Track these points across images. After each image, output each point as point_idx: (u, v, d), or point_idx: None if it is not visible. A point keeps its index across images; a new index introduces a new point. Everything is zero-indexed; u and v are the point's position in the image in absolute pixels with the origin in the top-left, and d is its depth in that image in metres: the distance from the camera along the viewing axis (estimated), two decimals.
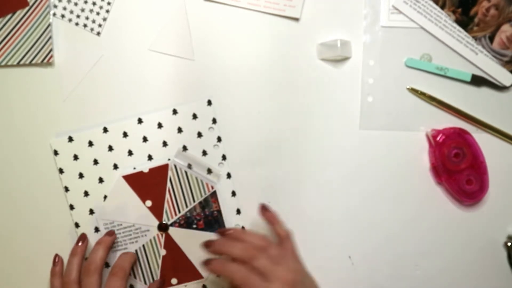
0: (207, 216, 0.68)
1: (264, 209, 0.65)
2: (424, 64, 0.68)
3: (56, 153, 0.68)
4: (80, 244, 0.66)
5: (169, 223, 0.68)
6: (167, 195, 0.68)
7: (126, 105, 0.68)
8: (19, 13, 0.67)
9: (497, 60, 0.67)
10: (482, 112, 0.68)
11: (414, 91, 0.68)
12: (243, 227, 0.69)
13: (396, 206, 0.69)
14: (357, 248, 0.69)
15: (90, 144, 0.68)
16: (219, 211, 0.68)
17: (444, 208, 0.69)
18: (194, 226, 0.68)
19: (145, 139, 0.68)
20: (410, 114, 0.68)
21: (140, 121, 0.68)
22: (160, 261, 0.69)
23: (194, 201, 0.68)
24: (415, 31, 0.68)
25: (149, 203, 0.68)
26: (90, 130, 0.68)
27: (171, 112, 0.68)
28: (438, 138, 0.67)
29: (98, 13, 0.68)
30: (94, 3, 0.68)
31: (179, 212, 0.68)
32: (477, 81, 0.68)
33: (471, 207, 0.69)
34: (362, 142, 0.69)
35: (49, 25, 0.67)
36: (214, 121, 0.68)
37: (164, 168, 0.68)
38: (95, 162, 0.68)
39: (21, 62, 0.67)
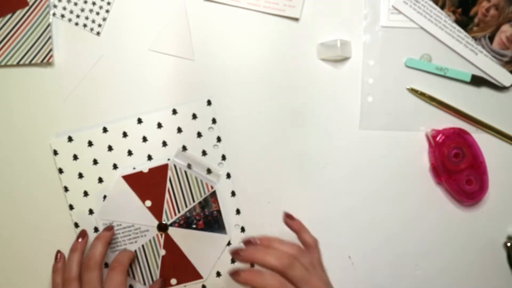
0: (206, 216, 0.68)
1: (289, 218, 0.61)
2: (424, 64, 0.68)
3: (55, 153, 0.68)
4: (80, 240, 0.66)
5: (168, 223, 0.68)
6: (167, 195, 0.68)
7: (126, 105, 0.68)
8: (19, 13, 0.67)
9: (497, 60, 0.67)
10: (482, 112, 0.68)
11: (414, 91, 0.68)
12: (243, 228, 0.69)
13: (396, 206, 0.69)
14: (357, 248, 0.69)
15: (90, 144, 0.68)
16: (219, 211, 0.68)
17: (444, 208, 0.69)
18: (194, 226, 0.68)
19: (144, 139, 0.68)
20: (410, 114, 0.68)
21: (139, 121, 0.68)
22: (159, 261, 0.69)
23: (193, 201, 0.68)
24: (415, 31, 0.68)
25: (148, 203, 0.68)
26: (89, 130, 0.68)
27: (171, 112, 0.68)
28: (438, 138, 0.67)
29: (98, 13, 0.68)
30: (94, 3, 0.68)
31: (179, 212, 0.68)
32: (477, 81, 0.68)
33: (471, 207, 0.69)
34: (362, 142, 0.69)
35: (49, 25, 0.67)
36: (214, 121, 0.68)
37: (163, 168, 0.68)
38: (95, 162, 0.68)
39: (21, 62, 0.67)
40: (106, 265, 0.69)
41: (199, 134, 0.68)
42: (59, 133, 0.68)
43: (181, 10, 0.68)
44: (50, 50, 0.67)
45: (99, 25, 0.68)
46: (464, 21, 0.67)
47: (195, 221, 0.68)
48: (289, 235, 0.69)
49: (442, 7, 0.67)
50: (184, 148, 0.68)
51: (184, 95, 0.68)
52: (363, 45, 0.68)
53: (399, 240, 0.69)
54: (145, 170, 0.68)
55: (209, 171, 0.68)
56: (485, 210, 0.69)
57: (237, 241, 0.69)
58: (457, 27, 0.67)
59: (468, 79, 0.68)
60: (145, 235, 0.68)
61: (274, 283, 0.52)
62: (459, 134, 0.67)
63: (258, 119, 0.69)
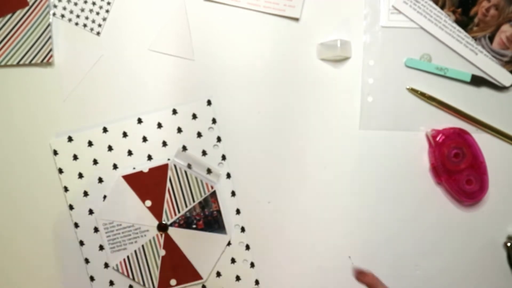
0: (206, 216, 0.68)
1: (361, 274, 0.62)
2: (424, 64, 0.68)
3: (55, 153, 0.68)
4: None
5: (168, 223, 0.68)
6: (167, 195, 0.68)
7: (126, 105, 0.68)
8: (19, 13, 0.67)
9: (497, 60, 0.67)
10: (482, 112, 0.68)
11: (414, 91, 0.68)
12: (243, 228, 0.69)
13: (396, 206, 0.69)
14: (357, 248, 0.69)
15: (90, 144, 0.68)
16: (219, 211, 0.68)
17: (444, 208, 0.69)
18: (194, 226, 0.68)
19: (144, 139, 0.68)
20: (410, 114, 0.68)
21: (139, 121, 0.68)
22: (159, 262, 0.69)
23: (193, 201, 0.68)
24: (415, 31, 0.68)
25: (148, 203, 0.68)
26: (89, 130, 0.68)
27: (171, 112, 0.68)
28: (438, 138, 0.67)
29: (98, 13, 0.68)
30: (94, 3, 0.67)
31: (179, 212, 0.68)
32: (477, 81, 0.68)
33: (471, 207, 0.69)
34: (362, 142, 0.69)
35: (49, 25, 0.67)
36: (214, 121, 0.68)
37: (164, 168, 0.68)
38: (95, 162, 0.68)
39: (21, 62, 0.67)
40: (106, 265, 0.69)
41: (199, 134, 0.68)
42: (59, 133, 0.68)
43: (181, 10, 0.68)
44: (50, 50, 0.67)
45: (99, 25, 0.68)
46: (464, 21, 0.67)
47: (195, 221, 0.68)
48: (289, 234, 0.69)
49: (442, 7, 0.67)
50: (184, 148, 0.68)
51: (184, 95, 0.68)
52: (363, 45, 0.68)
53: (399, 240, 0.69)
54: (145, 170, 0.68)
55: (209, 171, 0.68)
56: (485, 210, 0.69)
57: (237, 241, 0.69)
58: (457, 27, 0.67)
59: (468, 79, 0.68)
60: (145, 235, 0.68)
61: None
62: (459, 134, 0.67)
63: (258, 119, 0.69)
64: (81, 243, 0.69)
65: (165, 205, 0.68)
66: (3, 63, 0.67)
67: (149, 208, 0.68)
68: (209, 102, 0.68)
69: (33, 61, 0.67)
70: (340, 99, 0.69)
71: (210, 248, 0.69)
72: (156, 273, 0.69)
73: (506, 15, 0.67)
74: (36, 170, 0.68)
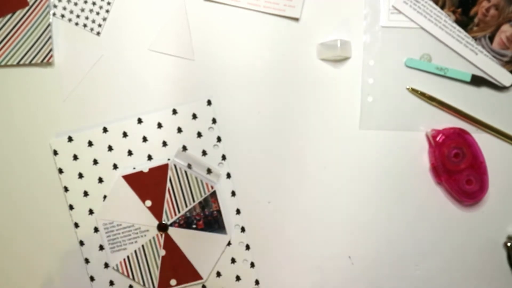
0: (206, 216, 0.68)
1: None
2: (424, 64, 0.68)
3: (55, 153, 0.68)
4: None
5: (168, 223, 0.68)
6: (167, 195, 0.68)
7: (126, 105, 0.68)
8: (19, 13, 0.67)
9: (497, 60, 0.67)
10: (482, 112, 0.68)
11: (414, 91, 0.68)
12: (243, 228, 0.69)
13: (396, 206, 0.69)
14: (357, 248, 0.69)
15: (90, 144, 0.68)
16: (219, 211, 0.68)
17: (444, 208, 0.69)
18: (194, 226, 0.68)
19: (145, 139, 0.68)
20: (410, 114, 0.68)
21: (140, 121, 0.68)
22: (159, 262, 0.69)
23: (194, 201, 0.68)
24: (415, 31, 0.68)
25: (148, 203, 0.68)
26: (89, 130, 0.68)
27: (171, 112, 0.68)
28: (438, 138, 0.67)
29: (98, 13, 0.68)
30: (94, 3, 0.67)
31: (179, 212, 0.68)
32: (477, 81, 0.68)
33: (471, 207, 0.69)
34: (362, 142, 0.69)
35: (49, 25, 0.67)
36: (214, 121, 0.68)
37: (164, 168, 0.68)
38: (95, 162, 0.68)
39: (21, 62, 0.67)
40: (106, 265, 0.69)
41: (199, 134, 0.68)
42: (59, 133, 0.68)
43: (181, 10, 0.68)
44: (50, 50, 0.67)
45: (99, 25, 0.68)
46: (464, 21, 0.67)
47: (195, 221, 0.68)
48: (289, 234, 0.69)
49: (442, 7, 0.67)
50: (184, 148, 0.68)
51: (184, 95, 0.68)
52: (363, 45, 0.68)
53: (399, 240, 0.69)
54: (145, 170, 0.68)
55: (209, 171, 0.68)
56: (485, 210, 0.69)
57: (237, 241, 0.69)
58: (457, 27, 0.67)
59: (468, 79, 0.68)
60: (145, 235, 0.68)
61: None
62: (459, 134, 0.67)
63: (258, 119, 0.69)
64: (81, 243, 0.69)
65: (165, 205, 0.68)
66: (3, 63, 0.67)
67: (149, 208, 0.68)
68: (209, 102, 0.68)
69: (33, 61, 0.67)
70: (340, 99, 0.69)
71: (210, 248, 0.69)
72: (156, 273, 0.69)
73: (506, 15, 0.67)
74: (36, 170, 0.68)
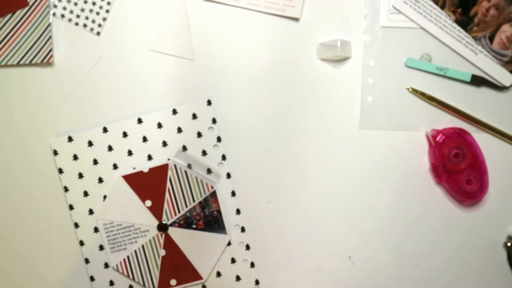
0: (206, 216, 0.68)
1: None
2: (424, 64, 0.68)
3: (55, 153, 0.68)
4: None
5: (168, 223, 0.68)
6: (167, 195, 0.68)
7: (126, 105, 0.68)
8: (19, 13, 0.67)
9: (497, 60, 0.67)
10: (482, 112, 0.68)
11: (414, 91, 0.68)
12: (243, 228, 0.69)
13: (396, 206, 0.69)
14: (357, 248, 0.69)
15: (90, 144, 0.68)
16: (219, 211, 0.68)
17: (444, 208, 0.69)
18: (194, 226, 0.68)
19: (145, 139, 0.68)
20: (410, 114, 0.68)
21: (140, 121, 0.68)
22: (159, 262, 0.69)
23: (194, 201, 0.68)
24: (415, 31, 0.68)
25: (148, 203, 0.68)
26: (90, 130, 0.68)
27: (171, 112, 0.68)
28: (438, 138, 0.67)
29: (98, 13, 0.68)
30: (94, 3, 0.67)
31: (179, 212, 0.68)
32: (477, 81, 0.68)
33: (471, 207, 0.69)
34: (362, 142, 0.69)
35: (49, 25, 0.67)
36: (214, 121, 0.68)
37: (164, 168, 0.68)
38: (95, 162, 0.68)
39: (21, 62, 0.67)
40: (106, 265, 0.69)
41: (199, 134, 0.68)
42: (59, 133, 0.68)
43: (181, 10, 0.68)
44: (50, 50, 0.67)
45: (99, 25, 0.68)
46: (464, 21, 0.67)
47: (195, 221, 0.68)
48: (289, 234, 0.69)
49: (442, 7, 0.67)
50: (184, 148, 0.68)
51: (184, 95, 0.68)
52: (363, 45, 0.68)
53: (399, 240, 0.69)
54: (145, 170, 0.68)
55: (209, 171, 0.68)
56: (485, 210, 0.69)
57: (237, 241, 0.69)
58: (457, 27, 0.67)
59: (468, 79, 0.68)
60: (145, 235, 0.68)
61: None
62: (459, 134, 0.67)
63: (258, 119, 0.69)
64: (81, 243, 0.69)
65: (165, 205, 0.68)
66: (3, 63, 0.67)
67: (149, 208, 0.68)
68: (209, 102, 0.68)
69: (33, 61, 0.67)
70: (340, 99, 0.69)
71: (210, 248, 0.69)
72: (156, 273, 0.69)
73: (506, 15, 0.67)
74: (36, 170, 0.68)
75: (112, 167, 0.68)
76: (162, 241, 0.68)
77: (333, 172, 0.69)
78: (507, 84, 0.68)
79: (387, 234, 0.69)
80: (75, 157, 0.68)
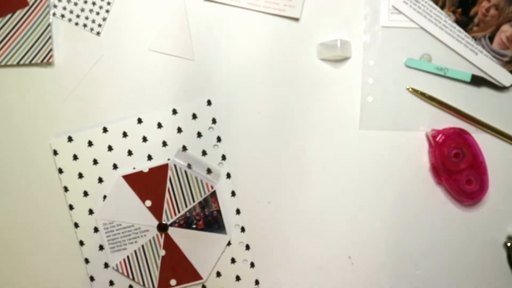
0: (206, 216, 0.68)
1: None
2: (424, 64, 0.68)
3: (55, 153, 0.68)
4: None
5: (168, 223, 0.68)
6: (167, 195, 0.68)
7: (126, 105, 0.68)
8: (19, 13, 0.67)
9: (497, 60, 0.67)
10: (482, 112, 0.68)
11: (414, 91, 0.68)
12: (243, 228, 0.69)
13: (396, 206, 0.69)
14: (357, 248, 0.69)
15: (90, 144, 0.68)
16: (219, 211, 0.68)
17: (444, 208, 0.69)
18: (194, 226, 0.68)
19: (144, 139, 0.68)
20: (410, 114, 0.68)
21: (140, 121, 0.68)
22: (159, 262, 0.69)
23: (193, 201, 0.68)
24: (415, 31, 0.68)
25: (148, 203, 0.68)
26: (89, 130, 0.68)
27: (171, 112, 0.68)
28: (438, 138, 0.67)
29: (98, 13, 0.68)
30: (94, 3, 0.67)
31: (179, 212, 0.68)
32: (477, 81, 0.68)
33: (471, 207, 0.69)
34: (362, 142, 0.69)
35: (49, 25, 0.67)
36: (214, 121, 0.68)
37: (164, 168, 0.68)
38: (95, 162, 0.68)
39: (21, 62, 0.67)
40: (106, 265, 0.69)
41: (199, 134, 0.68)
42: (59, 133, 0.68)
43: (181, 10, 0.68)
44: (50, 50, 0.67)
45: (99, 25, 0.68)
46: (464, 21, 0.67)
47: (195, 221, 0.68)
48: (289, 234, 0.69)
49: (442, 7, 0.67)
50: (184, 148, 0.68)
51: (184, 95, 0.68)
52: (363, 45, 0.68)
53: (399, 240, 0.69)
54: (145, 170, 0.68)
55: (209, 171, 0.68)
56: (485, 210, 0.69)
57: (237, 241, 0.69)
58: (457, 27, 0.67)
59: (468, 79, 0.68)
60: (145, 235, 0.68)
61: None
62: (459, 134, 0.67)
63: (258, 119, 0.69)
64: (81, 243, 0.69)
65: (165, 205, 0.68)
66: (3, 63, 0.67)
67: (149, 208, 0.68)
68: (209, 102, 0.68)
69: (33, 61, 0.67)
70: (340, 99, 0.69)
71: (210, 248, 0.69)
72: (156, 273, 0.69)
73: (506, 15, 0.67)
74: (36, 170, 0.68)
75: (112, 167, 0.68)
76: (162, 241, 0.68)
77: (333, 172, 0.69)
78: (507, 84, 0.68)
79: (387, 234, 0.69)
80: (75, 157, 0.68)
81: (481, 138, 0.67)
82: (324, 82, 0.68)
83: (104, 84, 0.68)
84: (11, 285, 0.69)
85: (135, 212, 0.68)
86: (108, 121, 0.68)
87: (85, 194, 0.68)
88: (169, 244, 0.68)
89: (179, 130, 0.68)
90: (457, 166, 0.67)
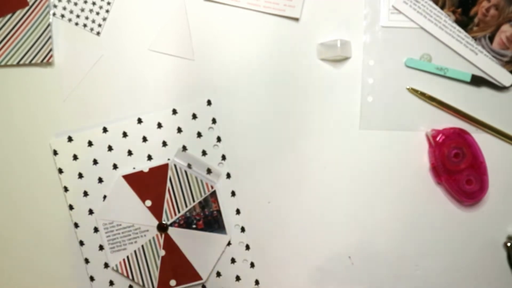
0: (206, 216, 0.68)
1: None
2: (424, 64, 0.68)
3: (55, 153, 0.68)
4: None
5: (168, 223, 0.68)
6: (167, 195, 0.68)
7: (126, 105, 0.68)
8: (19, 13, 0.67)
9: (497, 60, 0.67)
10: (482, 112, 0.68)
11: (414, 91, 0.68)
12: (243, 228, 0.69)
13: (396, 206, 0.69)
14: (357, 248, 0.69)
15: (90, 144, 0.68)
16: (219, 211, 0.68)
17: (444, 208, 0.69)
18: (194, 226, 0.68)
19: (144, 139, 0.68)
20: (410, 114, 0.68)
21: (139, 121, 0.68)
22: (159, 262, 0.69)
23: (193, 201, 0.68)
24: (415, 31, 0.68)
25: (148, 203, 0.68)
26: (89, 130, 0.68)
27: (171, 112, 0.68)
28: (438, 138, 0.67)
29: (98, 13, 0.68)
30: (94, 3, 0.67)
31: (179, 212, 0.68)
32: (477, 81, 0.68)
33: (471, 207, 0.69)
34: (362, 142, 0.69)
35: (49, 25, 0.67)
36: (214, 121, 0.68)
37: (164, 168, 0.68)
38: (95, 162, 0.68)
39: (21, 62, 0.67)
40: (106, 265, 0.69)
41: (199, 134, 0.68)
42: (59, 133, 0.68)
43: (181, 10, 0.68)
44: (50, 50, 0.67)
45: (99, 25, 0.68)
46: (464, 21, 0.67)
47: (195, 221, 0.68)
48: (289, 234, 0.69)
49: (442, 7, 0.67)
50: (184, 148, 0.68)
51: (184, 95, 0.68)
52: (363, 45, 0.68)
53: (399, 240, 0.69)
54: (145, 170, 0.68)
55: (209, 171, 0.68)
56: (485, 210, 0.69)
57: (237, 241, 0.69)
58: (457, 27, 0.67)
59: (468, 79, 0.68)
60: (145, 235, 0.68)
61: None
62: (459, 134, 0.67)
63: (258, 119, 0.69)
64: (81, 243, 0.69)
65: (165, 205, 0.68)
66: (3, 63, 0.67)
67: (149, 208, 0.68)
68: (209, 102, 0.68)
69: (33, 61, 0.67)
70: (340, 99, 0.69)
71: (210, 248, 0.69)
72: (155, 274, 0.69)
73: (506, 15, 0.67)
74: (36, 170, 0.68)
75: (112, 167, 0.68)
76: (162, 241, 0.68)
77: (333, 172, 0.69)
78: (507, 84, 0.68)
79: (387, 234, 0.69)
80: (75, 157, 0.68)
81: (481, 138, 0.67)
82: (324, 82, 0.68)
83: (104, 84, 0.68)
84: (11, 285, 0.69)
85: (135, 212, 0.68)
86: (108, 121, 0.68)
87: (85, 194, 0.68)
88: (169, 244, 0.68)
89: (179, 130, 0.68)
90: (457, 166, 0.67)
